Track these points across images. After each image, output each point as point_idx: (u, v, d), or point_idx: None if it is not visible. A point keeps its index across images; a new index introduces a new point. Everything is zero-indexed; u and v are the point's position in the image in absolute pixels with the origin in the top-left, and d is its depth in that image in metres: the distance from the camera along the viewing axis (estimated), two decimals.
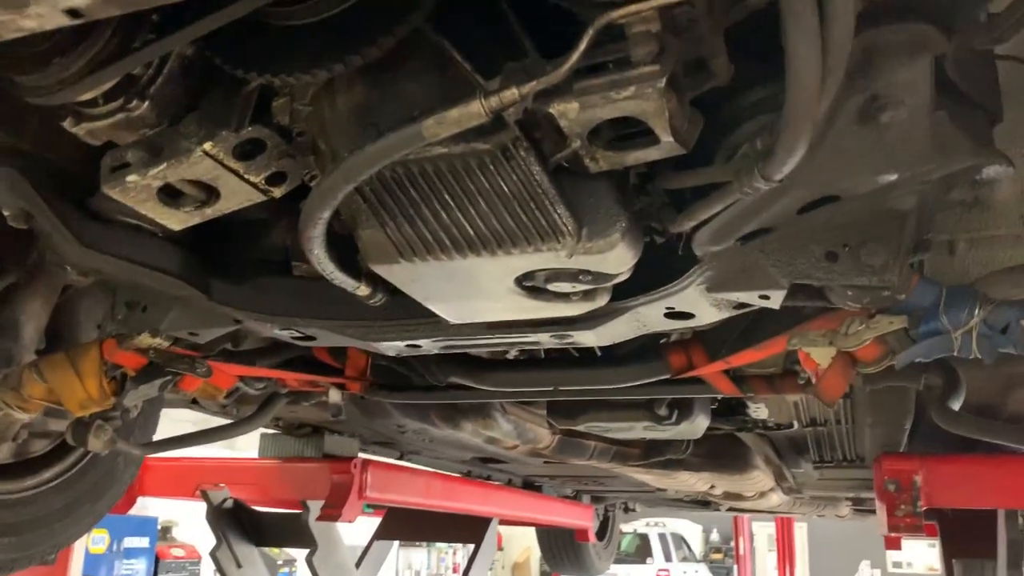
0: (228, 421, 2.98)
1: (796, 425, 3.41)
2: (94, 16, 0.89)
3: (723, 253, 1.43)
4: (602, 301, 1.54)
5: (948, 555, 3.62)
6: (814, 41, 0.92)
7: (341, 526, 4.13)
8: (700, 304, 1.59)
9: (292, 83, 1.21)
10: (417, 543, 18.17)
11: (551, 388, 2.37)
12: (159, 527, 10.35)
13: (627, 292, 1.55)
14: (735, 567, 18.87)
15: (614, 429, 3.10)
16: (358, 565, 5.02)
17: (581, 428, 3.20)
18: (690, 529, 23.98)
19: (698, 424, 2.92)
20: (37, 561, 2.74)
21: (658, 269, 1.51)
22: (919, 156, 1.18)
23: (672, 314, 1.64)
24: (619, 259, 1.34)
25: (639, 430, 3.03)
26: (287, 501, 4.25)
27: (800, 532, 17.33)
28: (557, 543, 8.40)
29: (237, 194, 1.38)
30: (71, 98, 1.21)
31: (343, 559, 4.37)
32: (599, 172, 1.23)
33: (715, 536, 25.43)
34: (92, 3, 0.87)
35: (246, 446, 4.49)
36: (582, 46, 1.00)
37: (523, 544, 20.13)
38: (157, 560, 10.07)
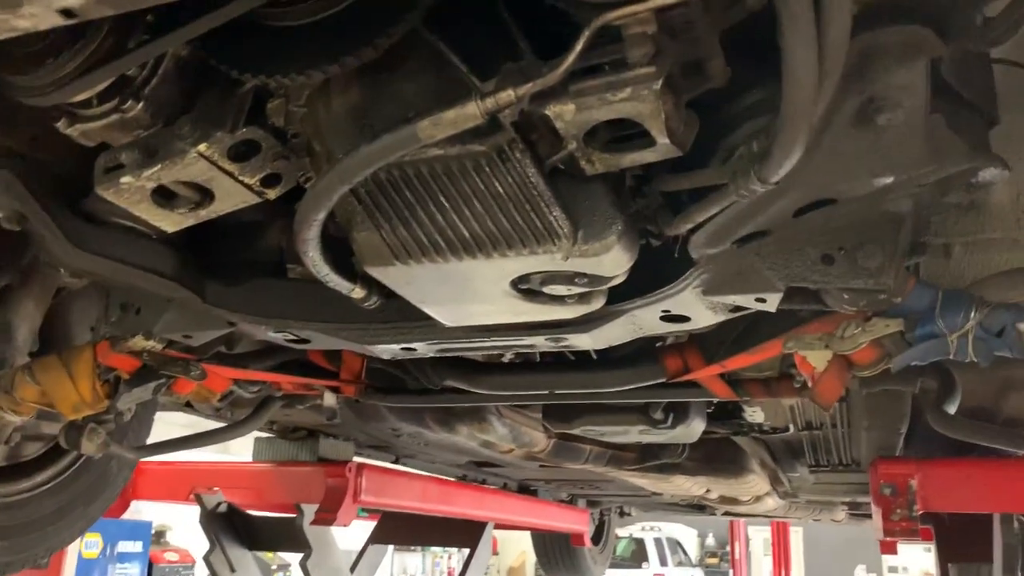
0: (222, 424, 2.97)
1: (792, 429, 3.41)
2: (88, 16, 0.89)
3: (719, 256, 1.42)
4: (598, 304, 1.53)
5: (944, 559, 3.62)
6: (811, 43, 0.92)
7: (336, 530, 4.12)
8: (696, 307, 1.58)
9: (287, 84, 1.20)
10: (412, 547, 18.13)
11: (546, 391, 2.37)
12: (153, 531, 10.30)
13: (623, 295, 1.55)
14: (731, 571, 18.86)
15: (609, 433, 3.10)
16: (353, 569, 5.00)
17: (576, 432, 3.20)
18: (686, 533, 23.98)
19: (694, 428, 2.92)
20: (30, 565, 2.73)
21: (654, 272, 1.51)
22: (915, 159, 1.18)
23: (668, 317, 1.64)
24: (615, 262, 1.34)
25: (635, 434, 3.03)
26: (281, 505, 4.24)
27: (796, 536, 17.32)
28: (552, 547, 8.38)
29: (231, 196, 1.38)
30: (65, 99, 1.21)
31: (337, 563, 4.35)
32: (595, 174, 1.23)
33: (711, 540, 25.43)
34: (86, 3, 0.86)
35: (240, 450, 4.47)
36: (578, 48, 1.00)
37: (518, 548, 20.11)
38: (151, 564, 10.02)
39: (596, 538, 8.72)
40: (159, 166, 1.27)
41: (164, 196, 1.36)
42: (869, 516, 3.54)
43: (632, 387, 2.24)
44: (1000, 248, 1.80)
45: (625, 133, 1.15)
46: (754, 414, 3.14)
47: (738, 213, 1.28)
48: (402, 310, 1.61)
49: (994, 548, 3.29)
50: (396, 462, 4.75)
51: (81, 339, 2.39)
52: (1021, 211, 1.71)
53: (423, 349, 1.89)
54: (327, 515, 3.84)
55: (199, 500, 4.21)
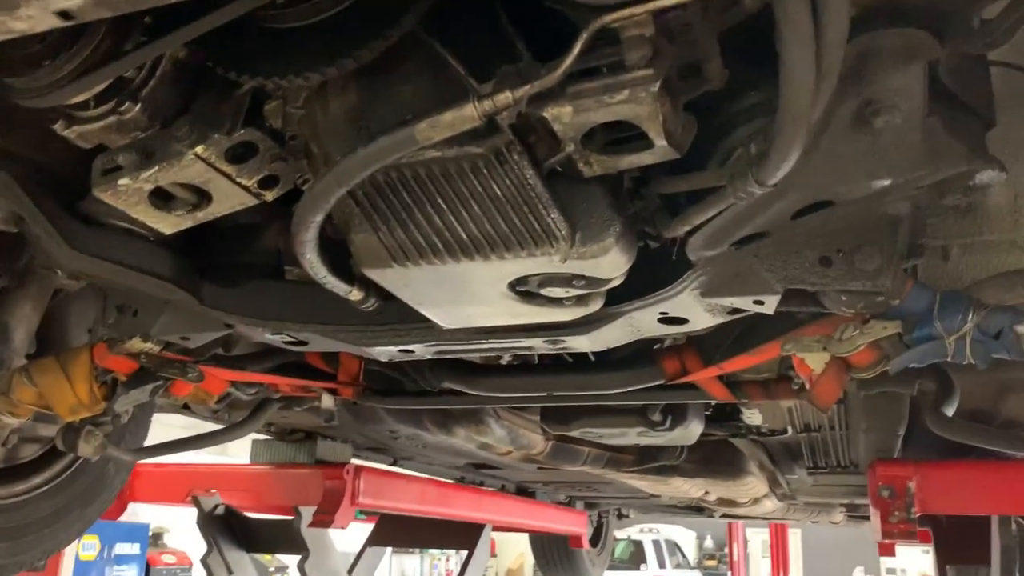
0: (220, 426, 2.97)
1: (790, 431, 3.41)
2: (85, 18, 0.89)
3: (717, 258, 1.42)
4: (595, 306, 1.53)
5: (942, 561, 3.62)
6: (808, 45, 0.92)
7: (333, 532, 4.12)
8: (694, 309, 1.59)
9: (285, 86, 1.20)
10: (410, 549, 18.12)
11: (544, 393, 2.37)
12: (150, 533, 10.29)
13: (621, 297, 1.55)
14: (729, 573, 18.84)
15: (608, 435, 3.10)
16: (350, 571, 5.00)
17: (575, 434, 3.20)
18: (684, 535, 23.97)
19: (692, 430, 2.92)
20: (27, 567, 2.72)
21: (652, 274, 1.51)
22: (913, 161, 1.18)
23: (666, 319, 1.64)
24: (613, 264, 1.34)
25: (633, 436, 3.03)
26: (279, 507, 4.23)
27: (794, 538, 17.30)
28: (551, 549, 8.38)
29: (229, 197, 1.38)
30: (62, 100, 1.21)
31: (335, 565, 4.35)
32: (593, 176, 1.23)
33: (709, 542, 25.41)
34: (83, 5, 0.86)
35: (238, 451, 4.47)
36: (576, 50, 1.00)
37: (516, 550, 20.08)
38: (148, 566, 10.01)
39: (594, 540, 8.72)
40: (156, 168, 1.27)
41: (161, 198, 1.36)
42: (867, 518, 3.54)
43: (630, 389, 2.24)
44: (998, 250, 1.80)
45: (623, 135, 1.15)
46: (752, 416, 3.14)
47: (736, 215, 1.28)
48: (400, 312, 1.61)
49: (992, 550, 3.28)
50: (394, 464, 4.75)
51: (78, 341, 2.38)
52: (1019, 213, 1.71)
53: (421, 351, 1.89)
54: (325, 517, 3.84)
55: (196, 502, 4.20)
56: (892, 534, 2.99)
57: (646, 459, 3.91)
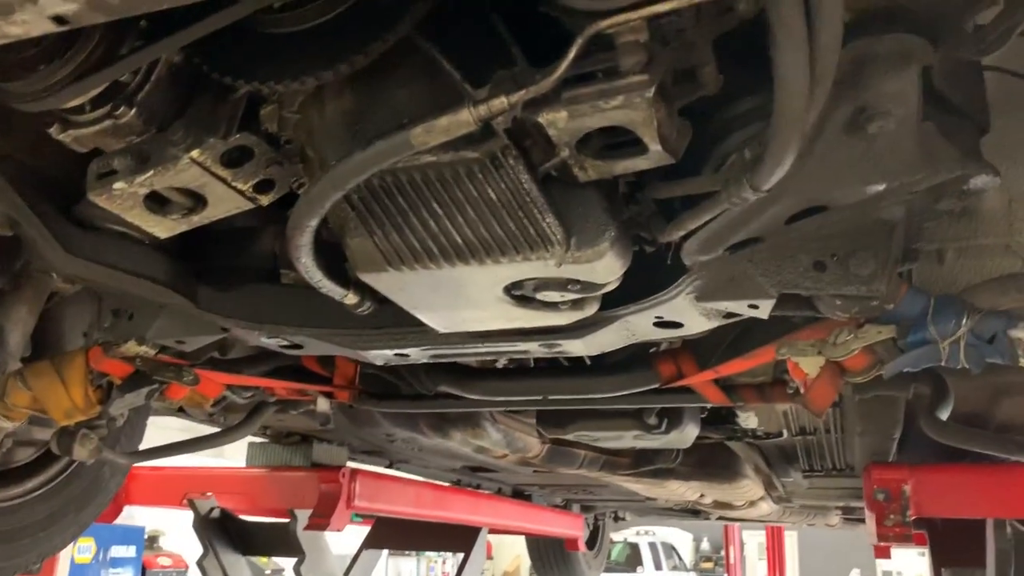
0: (215, 429, 2.97)
1: (786, 434, 3.42)
2: (80, 23, 0.89)
3: (712, 263, 1.43)
4: (591, 310, 1.53)
5: (937, 564, 3.62)
6: (802, 51, 0.92)
7: (329, 535, 4.11)
8: (689, 313, 1.59)
9: (280, 90, 1.20)
10: (406, 552, 18.10)
11: (540, 397, 2.37)
12: (146, 536, 10.28)
13: (616, 301, 1.55)
14: None
15: (603, 438, 3.10)
16: (346, 574, 4.99)
17: (570, 437, 3.20)
18: (680, 538, 23.98)
19: (688, 433, 2.92)
20: (21, 570, 2.72)
21: (647, 278, 1.51)
22: (907, 166, 1.19)
23: (661, 323, 1.64)
24: (608, 268, 1.34)
25: (629, 439, 3.03)
26: (275, 510, 4.23)
27: (791, 540, 17.30)
28: (547, 552, 8.37)
29: (224, 202, 1.38)
30: (57, 105, 1.20)
31: (331, 568, 4.34)
32: (588, 181, 1.23)
33: (705, 545, 25.41)
34: (78, 10, 0.86)
35: (235, 454, 4.46)
36: (571, 55, 1.00)
37: (513, 553, 20.08)
38: (144, 569, 10.00)
39: (591, 543, 8.71)
40: (152, 172, 1.27)
41: (157, 202, 1.36)
42: (863, 521, 3.55)
43: (626, 393, 2.24)
44: (993, 254, 1.80)
45: (618, 140, 1.15)
46: (748, 419, 3.14)
47: (730, 220, 1.28)
48: (395, 316, 1.61)
49: (987, 553, 3.29)
50: (390, 467, 4.74)
51: (74, 344, 2.38)
52: (1013, 217, 1.72)
53: (416, 355, 1.89)
54: (320, 520, 3.83)
55: (192, 505, 4.19)
56: (887, 537, 2.99)
57: (642, 462, 3.91)
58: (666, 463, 3.81)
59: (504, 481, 5.87)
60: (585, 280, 1.39)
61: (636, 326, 1.66)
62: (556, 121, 1.10)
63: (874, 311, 1.47)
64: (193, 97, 1.30)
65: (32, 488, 2.64)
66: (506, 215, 1.26)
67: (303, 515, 3.97)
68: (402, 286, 1.45)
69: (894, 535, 3.00)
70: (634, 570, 20.30)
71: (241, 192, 1.36)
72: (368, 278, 1.43)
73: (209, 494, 4.25)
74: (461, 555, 5.52)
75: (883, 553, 3.54)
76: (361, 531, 5.50)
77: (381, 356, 1.90)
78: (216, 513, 4.24)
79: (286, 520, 4.11)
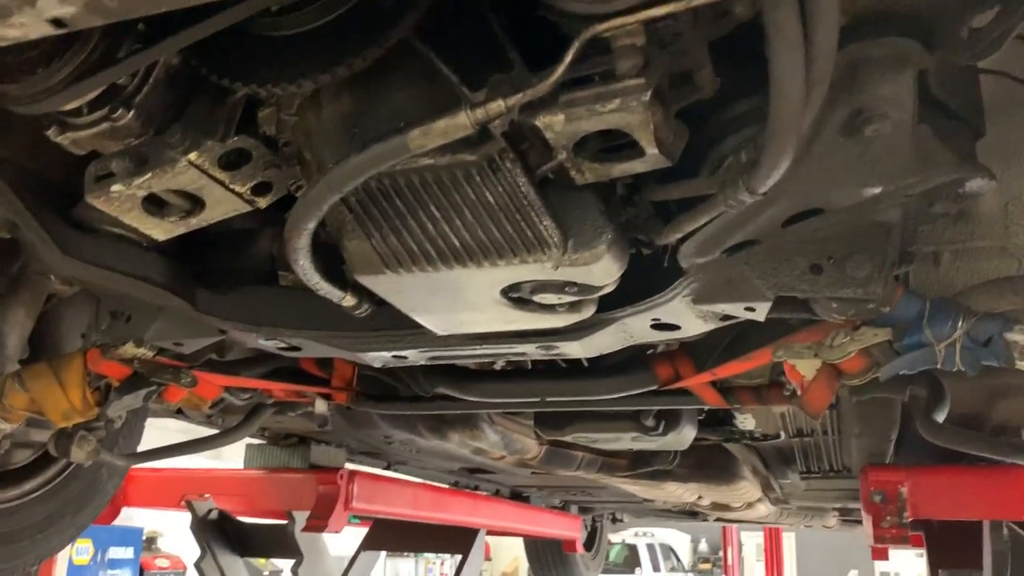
0: (214, 431, 2.97)
1: (783, 436, 3.42)
2: (78, 26, 0.89)
3: (709, 265, 1.43)
4: (588, 313, 1.54)
5: (934, 565, 3.63)
6: (798, 54, 0.92)
7: (327, 536, 4.11)
8: (686, 316, 1.59)
9: (278, 93, 1.20)
10: (404, 553, 18.08)
11: (538, 399, 2.37)
12: (144, 537, 10.27)
13: (613, 303, 1.55)
14: None
15: (601, 440, 3.10)
16: None
17: (568, 439, 3.20)
18: (678, 539, 23.97)
19: (685, 435, 2.92)
20: (19, 573, 2.72)
21: (644, 281, 1.51)
22: (903, 169, 1.19)
23: (658, 326, 1.64)
24: (605, 271, 1.35)
25: (626, 441, 3.03)
26: (273, 512, 4.23)
27: (788, 541, 17.32)
28: (545, 553, 8.37)
29: (222, 204, 1.38)
30: (55, 107, 1.21)
31: (329, 570, 4.34)
32: (585, 184, 1.23)
33: (703, 546, 25.42)
34: (76, 13, 0.86)
35: (233, 455, 4.46)
36: (568, 59, 1.00)
37: (511, 554, 20.07)
38: (142, 571, 9.99)
39: (589, 544, 8.71)
40: (149, 174, 1.27)
41: (155, 204, 1.36)
42: (861, 522, 3.55)
43: (623, 395, 2.24)
44: (989, 256, 1.81)
45: (615, 143, 1.16)
46: (745, 421, 3.14)
47: (727, 223, 1.28)
48: (393, 318, 1.61)
49: (984, 555, 3.29)
50: (388, 469, 4.74)
51: (71, 346, 2.38)
52: (1009, 220, 1.73)
53: (414, 357, 1.89)
54: (318, 522, 3.83)
55: (190, 507, 4.19)
56: (884, 539, 3.00)
57: (640, 464, 3.91)
58: (664, 465, 3.80)
59: (502, 482, 5.87)
60: (582, 282, 1.39)
61: (633, 328, 1.66)
62: (553, 124, 1.10)
63: (870, 314, 1.48)
64: (191, 100, 1.30)
65: (30, 490, 2.64)
66: (503, 218, 1.27)
67: (301, 517, 3.97)
68: (400, 288, 1.46)
69: (891, 537, 3.00)
70: (632, 571, 20.30)
71: (239, 194, 1.36)
72: (366, 280, 1.43)
73: (207, 496, 4.25)
74: (459, 556, 5.52)
75: (881, 555, 3.54)
76: (359, 532, 5.49)
77: (379, 358, 1.90)
78: (214, 515, 4.24)
79: (284, 522, 4.11)
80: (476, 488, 5.84)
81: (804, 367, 1.74)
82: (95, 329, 1.99)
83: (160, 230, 1.42)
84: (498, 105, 1.06)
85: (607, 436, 3.00)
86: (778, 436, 3.41)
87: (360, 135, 1.21)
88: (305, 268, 1.39)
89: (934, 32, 1.14)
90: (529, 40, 1.14)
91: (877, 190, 1.22)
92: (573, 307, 1.50)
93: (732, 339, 1.94)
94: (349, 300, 1.53)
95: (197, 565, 4.14)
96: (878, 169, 1.19)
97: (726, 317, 1.60)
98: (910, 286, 1.59)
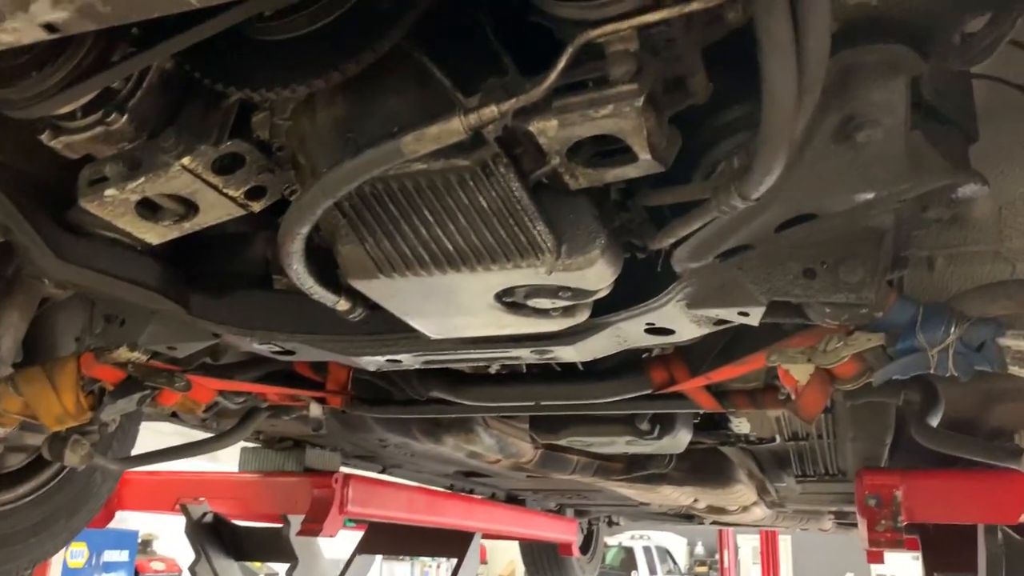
0: (208, 435, 2.96)
1: (778, 439, 3.42)
2: (71, 31, 0.89)
3: (702, 270, 1.43)
4: (582, 317, 1.54)
5: (930, 569, 3.64)
6: (789, 59, 0.93)
7: (322, 540, 4.10)
8: (680, 320, 1.59)
9: (272, 98, 1.20)
10: (400, 557, 18.06)
11: (533, 403, 2.37)
12: (139, 540, 10.25)
13: (607, 308, 1.55)
14: None
15: (596, 443, 3.10)
16: None
17: (563, 442, 3.20)
18: (675, 542, 23.98)
19: (680, 438, 2.92)
20: None
21: (638, 285, 1.52)
22: (895, 175, 1.19)
23: (652, 330, 1.64)
24: (598, 275, 1.35)
25: (621, 444, 3.03)
26: (268, 515, 4.22)
27: (784, 544, 17.32)
28: (541, 557, 8.36)
29: (216, 208, 1.38)
30: (49, 111, 1.21)
31: (324, 574, 4.33)
32: (579, 189, 1.24)
33: (700, 549, 25.44)
34: (69, 18, 0.86)
35: (228, 459, 4.45)
36: (561, 64, 1.01)
37: (507, 557, 20.03)
38: (137, 574, 9.96)
39: (585, 547, 8.70)
40: (143, 179, 1.27)
41: (148, 208, 1.36)
42: (856, 525, 3.55)
43: (618, 399, 2.24)
44: (983, 261, 1.81)
45: (608, 148, 1.16)
46: (740, 425, 3.14)
47: (720, 228, 1.29)
48: (387, 322, 1.61)
49: (978, 559, 3.30)
50: (383, 472, 4.74)
51: (65, 350, 2.38)
52: (1003, 224, 1.73)
53: (409, 361, 1.89)
54: (313, 526, 3.82)
55: (185, 510, 4.18)
56: (879, 542, 3.00)
57: (635, 467, 3.91)
58: (659, 468, 3.81)
59: (497, 486, 5.86)
60: (576, 287, 1.40)
61: (627, 332, 1.67)
62: (547, 130, 1.10)
63: (863, 319, 1.48)
64: (184, 104, 1.30)
65: (23, 494, 2.64)
66: (497, 223, 1.27)
67: (296, 520, 3.97)
68: (393, 293, 1.46)
69: (885, 540, 3.00)
70: (628, 574, 20.29)
71: (233, 199, 1.36)
72: (359, 285, 1.43)
73: (202, 499, 4.24)
74: (455, 560, 5.52)
75: (876, 557, 3.55)
76: (354, 536, 5.49)
77: (373, 362, 1.90)
78: (209, 518, 4.23)
79: (279, 525, 4.10)
80: (471, 491, 5.84)
81: (798, 372, 1.75)
82: (89, 333, 1.99)
83: (154, 234, 1.42)
84: (492, 110, 1.06)
85: (602, 440, 3.00)
86: (773, 440, 3.41)
87: (354, 140, 1.21)
88: (299, 272, 1.39)
89: (926, 38, 1.14)
90: (523, 46, 1.14)
91: (870, 196, 1.22)
92: (567, 312, 1.51)
93: (726, 343, 1.94)
94: (343, 304, 1.53)
95: (192, 569, 4.14)
96: (870, 175, 1.19)
97: (720, 322, 1.60)
98: (904, 291, 1.59)
